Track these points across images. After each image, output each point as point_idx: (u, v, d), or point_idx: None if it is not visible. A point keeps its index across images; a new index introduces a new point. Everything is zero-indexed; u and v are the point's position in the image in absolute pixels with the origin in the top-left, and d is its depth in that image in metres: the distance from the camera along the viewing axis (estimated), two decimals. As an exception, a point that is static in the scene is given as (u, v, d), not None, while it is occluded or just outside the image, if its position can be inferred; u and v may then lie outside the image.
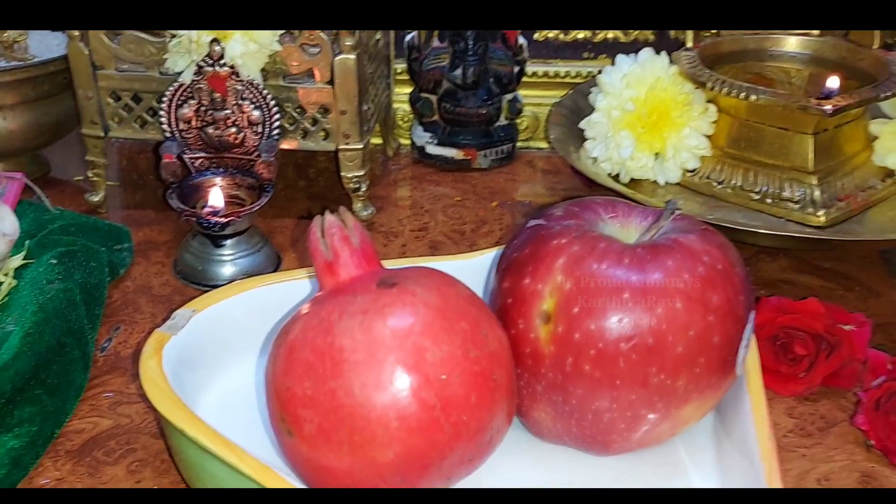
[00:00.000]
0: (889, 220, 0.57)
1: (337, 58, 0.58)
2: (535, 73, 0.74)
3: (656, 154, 0.61)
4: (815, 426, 0.46)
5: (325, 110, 0.60)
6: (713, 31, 0.67)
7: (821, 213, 0.56)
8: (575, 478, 0.41)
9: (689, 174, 0.61)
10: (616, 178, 0.61)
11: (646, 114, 0.60)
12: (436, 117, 0.72)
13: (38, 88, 0.65)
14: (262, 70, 0.58)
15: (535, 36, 0.74)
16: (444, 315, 0.36)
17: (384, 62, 0.70)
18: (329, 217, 0.39)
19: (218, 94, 0.57)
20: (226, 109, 0.58)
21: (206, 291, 0.47)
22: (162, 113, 0.59)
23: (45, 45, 0.69)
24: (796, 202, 0.57)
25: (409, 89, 0.73)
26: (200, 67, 0.57)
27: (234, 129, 0.58)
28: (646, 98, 0.60)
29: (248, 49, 0.57)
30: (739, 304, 0.38)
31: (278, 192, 0.65)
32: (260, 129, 0.58)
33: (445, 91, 0.70)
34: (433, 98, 0.71)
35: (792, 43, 0.65)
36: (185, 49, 0.57)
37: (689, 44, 0.63)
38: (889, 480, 0.42)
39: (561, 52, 0.74)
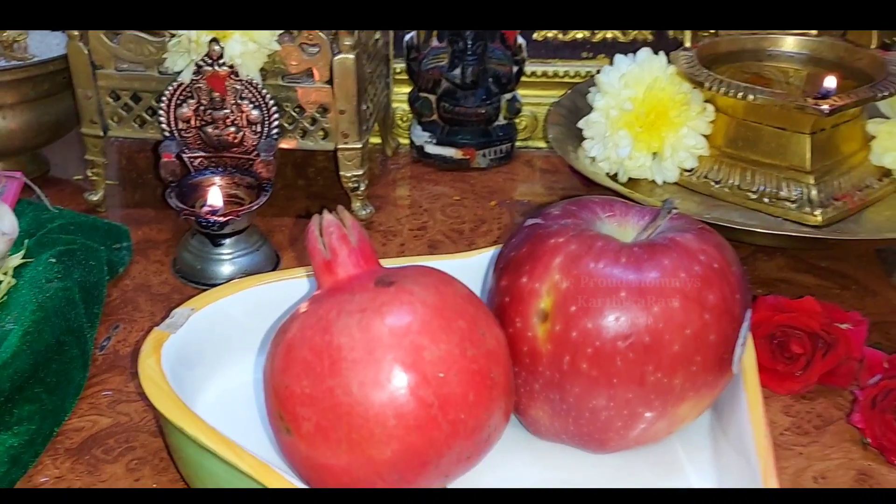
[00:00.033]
0: (886, 219, 0.57)
1: (336, 57, 0.58)
2: (533, 73, 0.74)
3: (654, 153, 0.61)
4: (811, 424, 0.46)
5: (323, 110, 0.60)
6: (711, 32, 0.67)
7: (818, 212, 0.56)
8: (572, 476, 0.41)
9: (686, 173, 0.61)
10: (614, 177, 0.61)
11: (644, 113, 0.60)
12: (435, 117, 0.72)
13: (37, 88, 0.65)
14: (262, 69, 0.58)
15: (534, 36, 0.74)
16: (441, 314, 0.36)
17: (383, 62, 0.70)
18: (327, 216, 0.39)
19: (217, 94, 0.57)
20: (225, 109, 0.58)
21: (205, 290, 0.47)
22: (161, 112, 0.59)
23: (44, 44, 0.69)
24: (793, 201, 0.57)
25: (408, 89, 0.73)
26: (199, 67, 0.57)
27: (233, 129, 0.58)
28: (644, 98, 0.60)
29: (248, 49, 0.57)
30: (736, 302, 0.38)
31: (277, 192, 0.65)
32: (259, 129, 0.59)
33: (444, 91, 0.71)
34: (432, 98, 0.71)
35: (790, 43, 0.65)
36: (185, 48, 0.57)
37: (688, 44, 0.63)
38: (885, 478, 0.43)
39: (559, 51, 0.75)
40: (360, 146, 0.61)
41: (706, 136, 0.61)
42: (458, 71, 0.69)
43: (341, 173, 0.62)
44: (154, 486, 0.42)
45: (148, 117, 0.62)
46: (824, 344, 0.47)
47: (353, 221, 0.39)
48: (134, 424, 0.46)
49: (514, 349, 0.39)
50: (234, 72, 0.57)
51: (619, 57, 0.62)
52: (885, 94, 0.56)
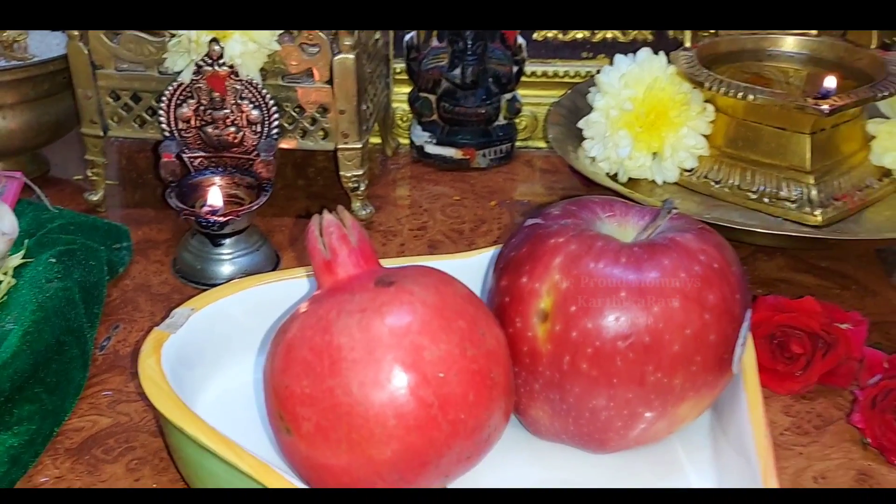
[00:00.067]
0: (886, 219, 0.58)
1: (336, 57, 0.58)
2: (533, 73, 0.74)
3: (654, 153, 0.61)
4: (811, 424, 0.46)
5: (323, 110, 0.60)
6: (711, 32, 0.67)
7: (818, 212, 0.56)
8: (572, 476, 0.41)
9: (686, 173, 0.61)
10: (614, 177, 0.61)
11: (644, 113, 0.60)
12: (435, 117, 0.72)
13: (37, 88, 0.65)
14: (261, 69, 0.58)
15: (534, 36, 0.74)
16: (441, 314, 0.36)
17: (383, 62, 0.70)
18: (327, 216, 0.39)
19: (217, 94, 0.57)
20: (225, 109, 0.58)
21: (205, 290, 0.47)
22: (161, 112, 0.59)
23: (44, 44, 0.69)
24: (793, 201, 0.57)
25: (408, 89, 0.74)
26: (199, 67, 0.57)
27: (233, 129, 0.58)
28: (644, 98, 0.60)
29: (248, 48, 0.57)
30: (736, 302, 0.38)
31: (277, 192, 0.65)
32: (259, 129, 0.59)
33: (444, 90, 0.71)
34: (432, 98, 0.71)
35: (790, 43, 0.65)
36: (185, 48, 0.57)
37: (688, 44, 0.63)
38: (885, 478, 0.43)
39: (559, 51, 0.75)
40: (360, 146, 0.61)
41: (706, 136, 0.61)
42: (458, 71, 0.69)
43: (341, 173, 0.62)
44: (154, 486, 0.42)
45: (148, 117, 0.62)
46: (824, 344, 0.47)
47: (353, 221, 0.39)
48: (134, 424, 0.46)
49: (514, 349, 0.39)
50: (234, 72, 0.57)
51: (619, 57, 0.62)
52: (885, 94, 0.56)
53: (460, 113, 0.70)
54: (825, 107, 0.54)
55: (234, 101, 0.58)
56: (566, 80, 0.74)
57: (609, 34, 0.74)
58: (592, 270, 0.37)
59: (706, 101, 0.61)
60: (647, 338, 0.37)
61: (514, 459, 0.42)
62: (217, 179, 0.58)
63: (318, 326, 0.36)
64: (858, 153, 0.60)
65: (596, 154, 0.62)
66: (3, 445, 0.41)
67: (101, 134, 0.63)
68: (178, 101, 0.58)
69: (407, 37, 0.72)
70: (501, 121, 0.72)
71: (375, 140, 0.73)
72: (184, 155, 0.59)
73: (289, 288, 0.46)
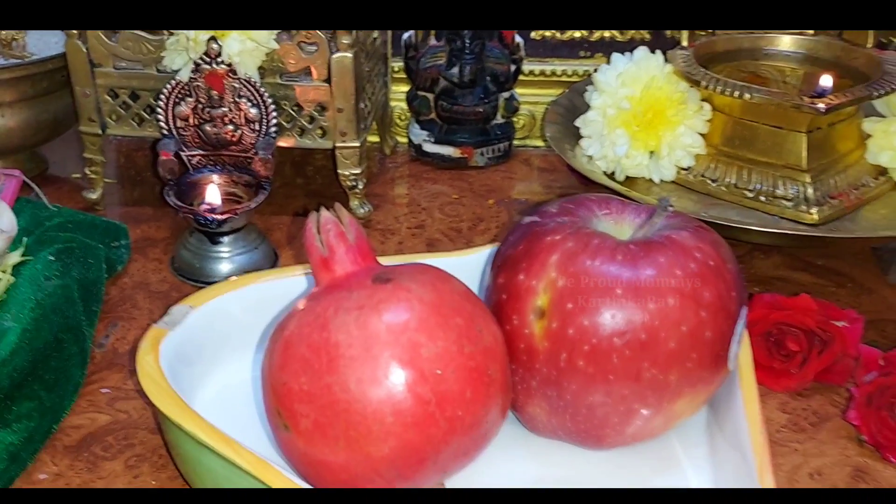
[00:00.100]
0: (881, 217, 0.58)
1: (334, 56, 0.58)
2: (531, 72, 0.74)
3: (651, 152, 0.61)
4: (807, 421, 0.46)
5: (322, 108, 0.60)
6: (708, 31, 0.67)
7: (814, 210, 0.56)
8: (569, 472, 0.41)
9: (683, 172, 0.61)
10: (611, 176, 0.62)
11: (641, 112, 0.60)
12: (433, 115, 0.72)
13: (36, 86, 0.65)
14: (260, 68, 0.58)
15: (532, 35, 0.74)
16: (439, 311, 0.36)
17: (381, 60, 0.70)
18: (325, 213, 0.39)
19: (215, 92, 0.58)
20: (223, 107, 0.58)
21: (204, 288, 0.47)
22: (159, 110, 0.59)
23: (43, 42, 0.69)
24: (790, 200, 0.57)
25: (406, 87, 0.74)
26: (198, 65, 0.57)
27: (231, 127, 0.58)
28: (641, 96, 0.60)
29: (246, 47, 0.57)
30: (731, 300, 0.39)
31: (275, 190, 0.65)
32: (257, 127, 0.59)
33: (442, 89, 0.71)
34: (430, 96, 0.71)
35: (786, 42, 0.65)
36: (183, 47, 0.57)
37: (685, 43, 0.63)
38: (881, 475, 0.43)
39: (557, 50, 0.75)
40: (358, 144, 0.61)
41: (703, 135, 0.61)
42: (456, 69, 0.69)
43: (339, 172, 0.62)
44: (153, 482, 0.42)
45: (146, 115, 0.62)
46: (820, 341, 0.47)
47: (351, 219, 0.40)
48: (132, 421, 0.46)
49: (511, 346, 0.39)
50: (232, 70, 0.57)
51: (616, 56, 0.62)
52: (881, 92, 0.56)
53: (458, 111, 0.71)
54: (821, 105, 0.54)
55: (232, 100, 0.58)
56: (564, 79, 0.74)
57: (607, 33, 0.74)
58: (589, 268, 0.38)
59: (703, 99, 0.61)
60: (643, 335, 0.37)
61: (512, 456, 0.42)
62: (215, 177, 0.58)
63: (315, 323, 0.36)
64: (854, 152, 0.60)
65: (593, 153, 0.62)
66: (2, 443, 0.41)
67: (100, 132, 0.63)
68: (177, 100, 0.58)
69: (405, 35, 0.72)
70: (499, 119, 0.72)
71: (374, 138, 0.73)
72: (182, 153, 0.59)
73: (287, 285, 0.47)
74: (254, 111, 0.58)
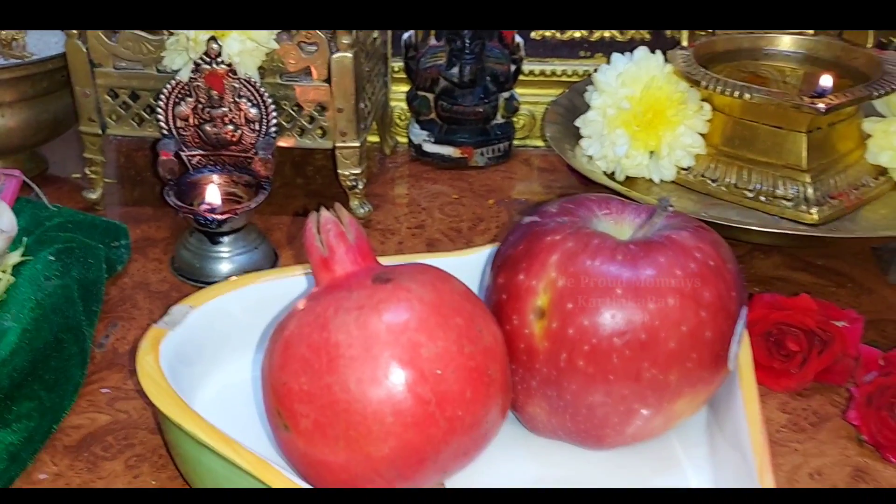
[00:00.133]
0: (881, 217, 0.58)
1: (334, 56, 0.58)
2: (531, 72, 0.74)
3: (651, 152, 0.61)
4: (807, 421, 0.46)
5: (322, 108, 0.60)
6: (708, 31, 0.67)
7: (814, 210, 0.56)
8: (569, 472, 0.41)
9: (683, 172, 0.61)
10: (611, 176, 0.62)
11: (641, 112, 0.60)
12: (433, 115, 0.72)
13: (36, 86, 0.65)
14: (260, 68, 0.58)
15: (532, 35, 0.74)
16: (439, 311, 0.36)
17: (381, 60, 0.70)
18: (325, 213, 0.39)
19: (215, 92, 0.58)
20: (223, 107, 0.58)
21: (204, 288, 0.47)
22: (159, 110, 0.59)
23: (43, 42, 0.69)
24: (790, 200, 0.57)
25: (406, 87, 0.74)
26: (198, 65, 0.57)
27: (231, 127, 0.58)
28: (641, 96, 0.60)
29: (246, 47, 0.57)
30: (731, 299, 0.39)
31: (275, 190, 0.65)
32: (257, 127, 0.59)
33: (442, 89, 0.71)
34: (430, 96, 0.71)
35: (786, 42, 0.65)
36: (183, 47, 0.57)
37: (685, 43, 0.63)
38: (881, 475, 0.43)
39: (557, 50, 0.75)
40: (358, 144, 0.61)
41: (703, 135, 0.61)
42: (456, 69, 0.69)
43: (339, 172, 0.62)
44: (153, 482, 0.42)
45: (146, 115, 0.62)
46: (820, 341, 0.47)
47: (351, 219, 0.40)
48: (132, 421, 0.46)
49: (511, 346, 0.39)
50: (232, 70, 0.57)
51: (616, 56, 0.62)
52: (881, 92, 0.56)
53: (458, 111, 0.71)
54: (821, 105, 0.54)
55: (232, 100, 0.58)
56: (564, 78, 0.74)
57: (607, 33, 0.74)
58: (589, 268, 0.38)
59: (703, 99, 0.61)
60: (643, 335, 0.37)
61: (512, 456, 0.42)
62: (215, 177, 0.59)
63: (315, 323, 0.36)
64: (854, 152, 0.60)
65: (593, 153, 0.62)
66: (2, 442, 0.41)
67: (100, 132, 0.63)
68: (177, 100, 0.58)
69: (405, 35, 0.72)
70: (499, 119, 0.72)
71: (374, 139, 0.73)
72: (182, 153, 0.59)
73: (287, 285, 0.47)
74: (254, 111, 0.58)
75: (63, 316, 0.47)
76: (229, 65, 0.57)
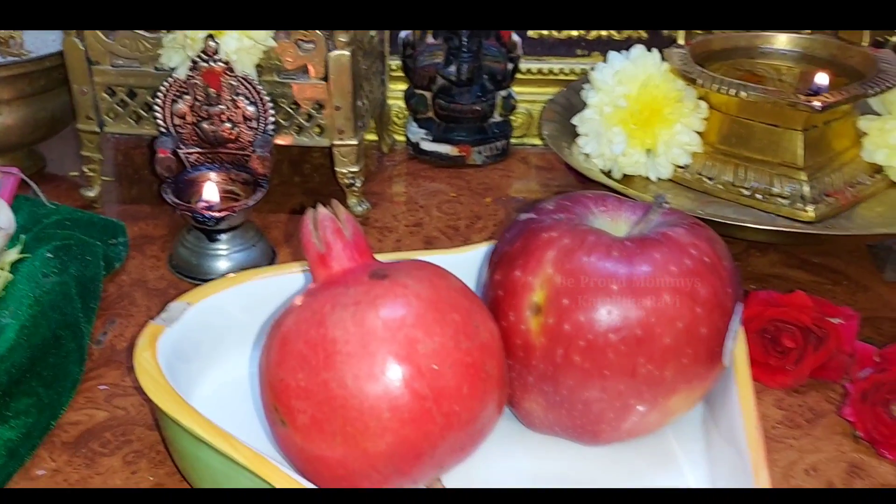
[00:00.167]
0: (877, 215, 0.58)
1: (331, 54, 0.58)
2: (528, 70, 0.74)
3: (648, 150, 0.61)
4: (803, 417, 0.46)
5: (319, 106, 0.60)
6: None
7: (810, 208, 0.57)
8: (566, 468, 0.41)
9: (680, 170, 0.62)
10: (608, 173, 0.62)
11: (638, 110, 0.61)
12: (430, 114, 0.72)
13: (33, 84, 0.65)
14: (257, 66, 0.58)
15: (529, 33, 0.74)
16: (435, 307, 0.36)
17: (379, 58, 0.70)
18: (322, 210, 0.39)
19: (213, 90, 0.58)
20: (220, 105, 0.58)
21: (201, 285, 0.47)
22: (157, 108, 0.59)
23: (40, 40, 0.70)
24: (786, 197, 0.57)
25: (403, 86, 0.74)
26: (195, 63, 0.57)
27: (228, 125, 0.59)
28: (638, 95, 0.61)
29: (243, 45, 0.57)
30: (727, 296, 0.39)
31: (273, 188, 0.65)
32: (254, 125, 0.59)
33: (440, 87, 0.71)
34: (428, 94, 0.72)
35: (782, 40, 0.65)
36: (180, 45, 0.57)
37: (681, 41, 0.63)
38: (876, 471, 0.43)
39: (555, 49, 0.75)
40: (355, 143, 0.61)
41: (699, 133, 0.61)
42: (453, 68, 0.69)
43: (337, 169, 0.63)
44: (151, 478, 0.42)
45: (144, 113, 0.62)
46: (815, 338, 0.47)
47: (348, 215, 0.40)
48: (130, 418, 0.46)
49: (507, 342, 0.39)
50: (229, 68, 0.57)
51: (612, 54, 0.63)
52: (877, 90, 0.56)
53: (456, 110, 0.71)
54: (817, 103, 0.54)
55: (229, 98, 0.58)
56: (561, 77, 0.74)
57: (604, 32, 0.74)
58: (585, 264, 0.38)
59: (699, 98, 0.61)
60: (638, 331, 0.37)
61: (508, 451, 0.42)
62: (213, 175, 0.59)
63: (312, 320, 0.36)
64: (850, 150, 0.60)
65: (590, 151, 0.62)
66: (0, 439, 0.42)
67: (97, 130, 0.63)
68: (174, 98, 0.59)
69: (403, 34, 0.72)
70: (497, 118, 0.72)
71: (371, 137, 0.74)
72: (180, 151, 0.60)
73: (284, 282, 0.47)
74: (251, 109, 0.58)
75: (61, 313, 0.48)
76: (227, 62, 0.57)
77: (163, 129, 0.59)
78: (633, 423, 0.40)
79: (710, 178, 0.60)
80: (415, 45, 0.71)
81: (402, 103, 0.74)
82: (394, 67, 0.73)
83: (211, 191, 0.57)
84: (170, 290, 0.56)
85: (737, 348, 0.41)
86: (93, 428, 0.45)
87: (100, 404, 0.47)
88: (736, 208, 0.58)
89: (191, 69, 0.57)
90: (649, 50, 0.62)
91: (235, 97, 0.58)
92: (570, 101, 0.67)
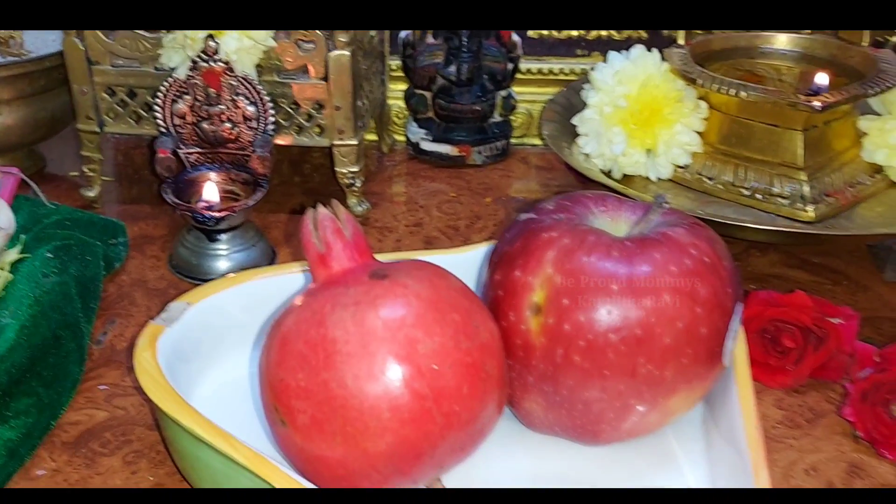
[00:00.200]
0: (877, 215, 0.58)
1: (331, 54, 0.58)
2: (528, 70, 0.74)
3: (648, 150, 0.61)
4: (803, 417, 0.46)
5: (319, 106, 0.60)
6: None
7: (810, 208, 0.57)
8: (566, 468, 0.41)
9: (680, 170, 0.62)
10: (608, 173, 0.62)
11: (638, 110, 0.61)
12: (430, 114, 0.72)
13: (33, 84, 0.65)
14: (257, 66, 0.58)
15: (529, 33, 0.74)
16: (435, 307, 0.36)
17: (379, 58, 0.70)
18: (322, 210, 0.39)
19: (213, 90, 0.58)
20: (220, 105, 0.58)
21: (201, 285, 0.47)
22: (157, 108, 0.59)
23: (40, 40, 0.70)
24: (786, 198, 0.57)
25: (403, 86, 0.74)
26: (195, 63, 0.57)
27: (228, 125, 0.59)
28: (638, 95, 0.61)
29: (243, 45, 0.57)
30: (727, 296, 0.39)
31: (273, 188, 0.65)
32: (254, 125, 0.59)
33: (440, 87, 0.71)
34: (428, 94, 0.72)
35: (782, 40, 0.65)
36: (180, 45, 0.57)
37: (681, 41, 0.63)
38: (876, 471, 0.43)
39: (554, 49, 0.75)
40: (355, 143, 0.61)
41: (699, 133, 0.61)
42: (453, 68, 0.69)
43: (337, 169, 0.63)
44: (151, 478, 0.42)
45: (144, 113, 0.62)
46: (815, 338, 0.47)
47: (348, 215, 0.40)
48: (130, 418, 0.46)
49: (507, 342, 0.39)
50: (229, 68, 0.57)
51: (612, 54, 0.63)
52: (877, 90, 0.56)
53: (456, 110, 0.71)
54: (817, 103, 0.54)
55: (229, 98, 0.58)
56: (561, 77, 0.74)
57: (604, 32, 0.74)
58: (585, 264, 0.38)
59: (700, 98, 0.61)
60: (638, 331, 0.37)
61: (508, 452, 0.42)
62: (213, 175, 0.59)
63: (312, 320, 0.36)
64: (850, 150, 0.60)
65: (590, 151, 0.62)
66: (0, 439, 0.42)
67: (97, 130, 0.63)
68: (174, 98, 0.59)
69: (403, 34, 0.72)
70: (497, 118, 0.72)
71: (371, 137, 0.74)
72: (180, 151, 0.60)
73: (284, 282, 0.47)
74: (251, 109, 0.58)
75: (61, 313, 0.48)
76: (227, 62, 0.57)
77: (163, 129, 0.59)
78: (633, 423, 0.40)
79: (710, 178, 0.60)
80: (415, 45, 0.71)
81: (402, 103, 0.74)
82: (394, 67, 0.73)
83: (211, 191, 0.57)
84: (170, 290, 0.56)
85: (737, 348, 0.41)
86: (93, 428, 0.45)
87: (100, 404, 0.47)
88: (736, 208, 0.58)
89: (191, 69, 0.57)
90: (649, 50, 0.62)
91: (235, 97, 0.58)
92: (570, 101, 0.67)
